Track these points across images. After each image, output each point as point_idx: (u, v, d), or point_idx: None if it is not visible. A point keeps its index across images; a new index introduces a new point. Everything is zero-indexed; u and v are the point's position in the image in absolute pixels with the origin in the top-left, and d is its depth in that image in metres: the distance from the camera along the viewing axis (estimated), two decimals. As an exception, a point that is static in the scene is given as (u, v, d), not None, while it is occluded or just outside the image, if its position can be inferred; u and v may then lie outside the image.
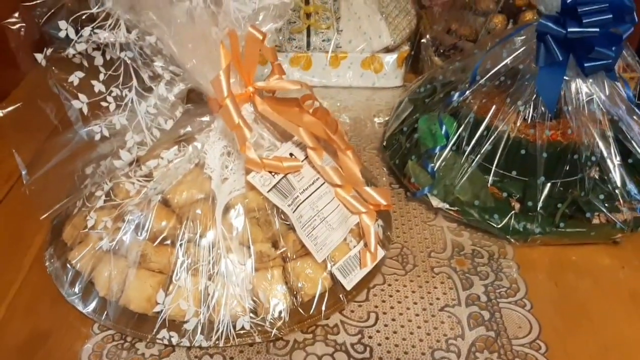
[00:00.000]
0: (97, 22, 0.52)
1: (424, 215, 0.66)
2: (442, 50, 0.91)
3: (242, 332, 0.50)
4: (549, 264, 0.60)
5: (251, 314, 0.51)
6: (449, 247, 0.62)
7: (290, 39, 0.88)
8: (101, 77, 0.53)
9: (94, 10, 0.51)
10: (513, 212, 0.62)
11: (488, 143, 0.64)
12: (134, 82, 0.54)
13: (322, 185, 0.56)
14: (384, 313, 0.55)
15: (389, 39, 0.89)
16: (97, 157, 0.59)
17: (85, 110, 0.54)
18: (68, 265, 0.55)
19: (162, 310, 0.50)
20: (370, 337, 0.52)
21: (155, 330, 0.50)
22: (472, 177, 0.64)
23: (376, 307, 0.55)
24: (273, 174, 0.53)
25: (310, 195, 0.54)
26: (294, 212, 0.53)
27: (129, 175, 0.54)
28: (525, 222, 0.61)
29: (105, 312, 0.52)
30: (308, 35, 0.88)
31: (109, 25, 0.51)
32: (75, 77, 0.53)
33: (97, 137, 0.54)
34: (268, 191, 0.53)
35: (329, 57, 0.88)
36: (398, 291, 0.57)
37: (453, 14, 0.93)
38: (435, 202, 0.65)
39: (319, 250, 0.54)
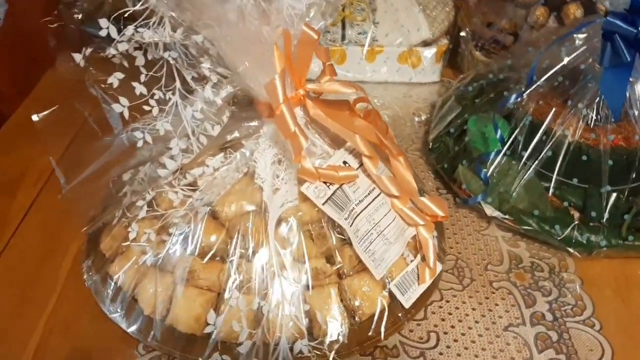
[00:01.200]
0: (140, 20, 0.48)
1: (476, 223, 0.63)
2: (481, 44, 0.87)
3: (299, 356, 0.47)
4: (614, 279, 0.57)
5: (307, 336, 0.47)
6: (505, 259, 0.59)
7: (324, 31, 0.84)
8: (142, 78, 0.49)
9: (137, 7, 0.47)
10: (575, 223, 0.58)
11: (547, 148, 0.60)
12: (177, 84, 0.50)
13: (378, 196, 0.52)
14: (445, 333, 0.51)
15: (427, 32, 0.84)
16: (135, 163, 0.56)
17: (126, 114, 0.50)
18: (109, 280, 0.51)
19: (213, 332, 0.47)
20: (441, 355, 0.49)
21: (207, 353, 0.47)
22: (529, 184, 0.61)
23: (436, 326, 0.52)
24: (328, 184, 0.50)
25: (366, 207, 0.51)
26: (350, 225, 0.49)
27: (172, 184, 0.51)
28: (589, 233, 0.58)
29: (152, 332, 0.48)
30: (343, 28, 0.84)
31: (153, 24, 0.48)
32: (115, 79, 0.49)
33: (140, 143, 0.50)
34: (323, 203, 0.49)
35: (365, 51, 0.84)
36: (457, 308, 0.54)
37: (492, 5, 0.89)
38: (489, 210, 0.62)
39: (377, 266, 0.50)
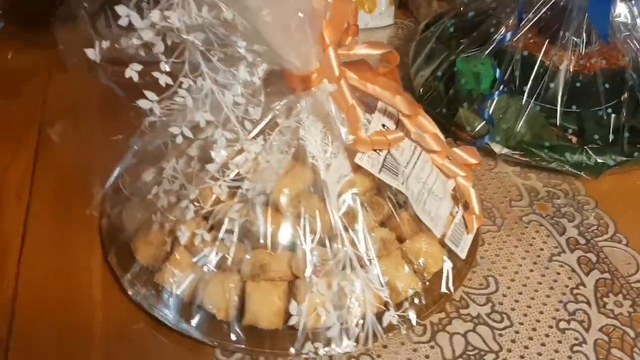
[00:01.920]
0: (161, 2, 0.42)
1: (484, 163, 0.64)
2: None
3: (389, 327, 0.46)
4: (620, 193, 0.62)
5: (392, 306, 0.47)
6: (524, 193, 0.61)
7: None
8: (163, 67, 0.45)
9: (158, -11, 0.41)
10: (584, 147, 0.61)
11: (544, 80, 0.62)
12: (204, 68, 0.45)
13: (420, 154, 0.51)
14: (500, 275, 0.53)
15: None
16: (151, 159, 0.51)
17: (156, 110, 0.45)
18: (162, 290, 0.47)
19: (298, 322, 0.45)
20: (501, 304, 0.51)
21: (299, 344, 0.45)
22: (531, 117, 0.63)
23: (489, 270, 0.54)
24: (378, 151, 0.48)
25: (413, 167, 0.50)
26: (408, 189, 0.49)
27: (215, 177, 0.47)
28: (596, 156, 0.61)
29: (231, 336, 0.45)
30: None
31: (177, 5, 0.42)
32: (133, 72, 0.44)
33: (179, 139, 0.45)
34: (379, 172, 0.48)
35: None
36: (501, 249, 0.55)
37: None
38: (498, 148, 0.63)
39: (435, 224, 0.50)
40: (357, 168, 0.48)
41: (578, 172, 0.62)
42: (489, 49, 0.65)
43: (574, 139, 0.64)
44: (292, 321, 0.45)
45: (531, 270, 0.54)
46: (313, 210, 0.46)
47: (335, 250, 0.46)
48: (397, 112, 0.51)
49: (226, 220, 0.46)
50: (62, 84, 0.73)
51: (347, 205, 0.48)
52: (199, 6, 0.43)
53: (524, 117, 0.63)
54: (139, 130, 0.52)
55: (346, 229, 0.47)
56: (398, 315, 0.47)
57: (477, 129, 0.64)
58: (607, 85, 0.61)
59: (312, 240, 0.46)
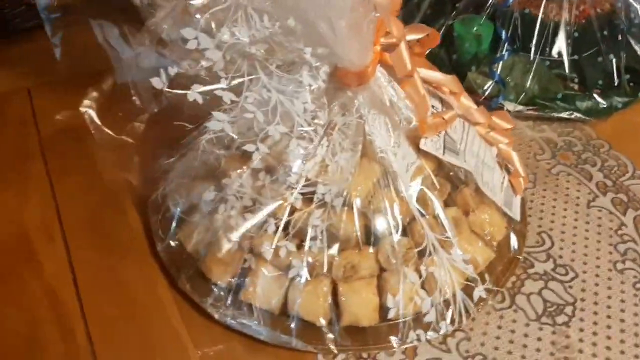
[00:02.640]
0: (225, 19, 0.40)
1: (498, 121, 0.67)
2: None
3: (480, 302, 0.48)
4: (629, 132, 0.66)
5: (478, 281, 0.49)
6: (544, 146, 0.64)
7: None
8: (223, 83, 0.43)
9: (222, 6, 0.39)
10: (592, 93, 0.65)
11: (547, 35, 0.65)
12: (264, 78, 0.44)
13: (468, 129, 0.53)
14: (550, 230, 0.56)
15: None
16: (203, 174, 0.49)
17: (228, 129, 0.43)
18: (253, 307, 0.47)
19: (396, 314, 0.46)
20: (560, 257, 0.54)
21: (402, 335, 0.46)
22: (537, 71, 0.65)
23: (540, 227, 0.56)
24: (438, 133, 0.49)
25: (466, 143, 0.51)
26: (469, 165, 0.50)
27: (291, 187, 0.46)
28: (603, 100, 0.65)
29: (332, 339, 0.46)
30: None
31: (241, 18, 0.40)
32: (196, 94, 0.42)
33: (256, 156, 0.43)
34: (443, 153, 0.49)
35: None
36: (543, 204, 0.58)
37: None
38: (512, 106, 0.66)
39: (495, 193, 0.52)
40: (421, 154, 0.49)
41: (588, 118, 0.65)
42: (487, 11, 0.66)
43: (576, 87, 0.67)
44: (391, 314, 0.46)
45: (575, 220, 0.57)
46: (391, 202, 0.47)
47: (417, 237, 0.48)
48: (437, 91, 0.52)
49: (309, 228, 0.46)
50: (47, 100, 0.68)
51: (419, 191, 0.49)
52: (260, 17, 0.41)
53: (532, 73, 0.65)
54: (182, 147, 0.51)
55: (422, 215, 0.48)
56: (487, 288, 0.49)
57: (487, 90, 0.66)
58: (604, 32, 0.65)
59: (397, 231, 0.47)
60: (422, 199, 0.48)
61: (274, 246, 0.46)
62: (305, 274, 0.46)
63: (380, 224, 0.47)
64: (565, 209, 0.58)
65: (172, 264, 0.51)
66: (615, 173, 0.61)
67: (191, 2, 0.37)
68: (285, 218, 0.46)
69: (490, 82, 0.66)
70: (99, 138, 0.47)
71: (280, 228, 0.46)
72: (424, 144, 0.48)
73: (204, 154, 0.49)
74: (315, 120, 0.44)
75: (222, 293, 0.48)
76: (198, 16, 0.38)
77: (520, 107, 0.66)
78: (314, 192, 0.46)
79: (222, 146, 0.47)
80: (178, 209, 0.51)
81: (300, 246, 0.46)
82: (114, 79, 0.42)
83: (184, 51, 0.39)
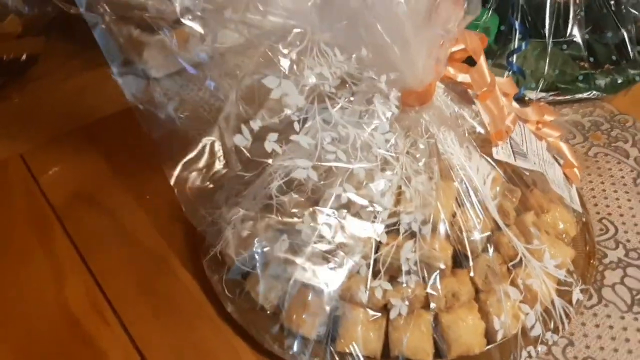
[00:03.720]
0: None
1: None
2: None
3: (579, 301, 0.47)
4: (645, 102, 0.67)
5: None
6: (573, 130, 0.64)
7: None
8: (296, 127, 0.39)
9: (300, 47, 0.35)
10: (610, 69, 0.65)
11: (557, 17, 0.64)
12: (335, 116, 0.40)
13: (524, 128, 0.51)
14: (609, 214, 0.55)
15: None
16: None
17: (313, 175, 0.40)
18: (354, 357, 0.43)
19: (504, 334, 0.44)
20: (628, 241, 0.53)
21: (516, 355, 0.44)
22: (552, 56, 0.65)
23: (598, 213, 0.56)
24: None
25: (527, 143, 0.50)
26: (538, 166, 0.49)
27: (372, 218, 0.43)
28: (619, 75, 0.65)
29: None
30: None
31: (316, 57, 0.37)
32: (274, 144, 0.38)
33: (344, 199, 0.40)
34: (515, 159, 0.47)
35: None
36: (592, 189, 0.58)
37: None
38: (533, 94, 0.65)
39: (562, 190, 0.51)
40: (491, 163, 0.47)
41: (608, 95, 0.65)
42: (491, 4, 0.65)
43: (586, 66, 0.67)
44: (499, 335, 0.45)
45: (629, 200, 0.57)
46: (477, 218, 0.45)
47: (507, 249, 0.46)
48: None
49: (403, 264, 0.43)
50: (43, 163, 0.62)
51: (498, 202, 0.47)
52: (333, 52, 0.38)
53: (548, 58, 0.65)
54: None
55: (507, 226, 0.46)
56: (580, 288, 0.48)
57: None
58: (610, 7, 0.65)
59: (489, 250, 0.45)
60: (501, 210, 0.47)
61: (368, 288, 0.43)
62: (405, 311, 0.43)
63: (471, 244, 0.45)
64: (615, 191, 0.58)
65: (251, 324, 0.47)
66: (648, 146, 0.62)
67: (278, 45, 0.33)
68: (373, 256, 0.44)
69: (506, 74, 0.65)
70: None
71: (371, 268, 0.44)
72: (497, 153, 0.46)
73: (264, 202, 0.46)
74: (394, 150, 0.42)
75: (315, 348, 0.45)
76: (283, 61, 0.34)
77: (542, 94, 0.65)
78: (396, 224, 0.44)
79: (293, 193, 0.44)
80: (245, 264, 0.47)
81: (393, 283, 0.44)
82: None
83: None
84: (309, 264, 0.44)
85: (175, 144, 0.42)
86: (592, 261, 0.51)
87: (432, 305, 0.43)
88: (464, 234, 0.44)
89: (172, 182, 0.42)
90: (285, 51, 0.35)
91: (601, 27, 0.66)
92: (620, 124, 0.64)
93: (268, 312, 0.47)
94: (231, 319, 0.48)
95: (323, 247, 0.43)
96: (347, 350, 0.44)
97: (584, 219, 0.53)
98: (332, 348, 0.44)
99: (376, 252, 0.44)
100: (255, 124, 0.37)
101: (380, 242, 0.43)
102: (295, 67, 0.35)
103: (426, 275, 0.43)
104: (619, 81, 0.65)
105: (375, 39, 0.38)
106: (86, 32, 0.45)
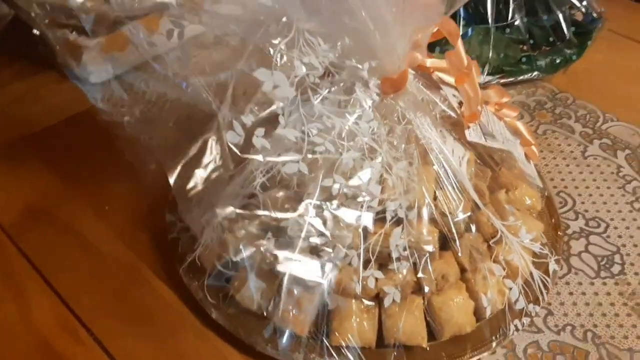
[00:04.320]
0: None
1: (469, 95, 0.68)
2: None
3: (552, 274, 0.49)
4: (581, 80, 0.70)
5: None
6: (521, 110, 0.66)
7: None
8: (282, 121, 0.38)
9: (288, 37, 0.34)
10: (549, 50, 0.68)
11: (499, 4, 0.67)
12: (318, 107, 0.40)
13: (487, 110, 0.52)
14: (565, 187, 0.58)
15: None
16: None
17: (304, 168, 0.39)
18: (351, 349, 0.43)
19: (491, 310, 0.45)
20: (586, 211, 0.56)
21: (504, 329, 0.45)
22: (495, 40, 0.67)
23: (555, 187, 0.58)
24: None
25: (491, 124, 0.51)
26: (505, 145, 0.50)
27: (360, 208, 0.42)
28: (557, 55, 0.68)
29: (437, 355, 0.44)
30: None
31: (304, 47, 0.36)
32: (262, 139, 0.37)
33: (335, 191, 0.39)
34: (486, 140, 0.48)
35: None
36: (547, 165, 0.60)
37: None
38: (481, 79, 0.67)
39: (527, 167, 0.53)
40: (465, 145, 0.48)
41: (549, 74, 0.69)
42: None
43: (525, 48, 0.70)
44: (488, 312, 0.46)
45: (580, 173, 0.60)
46: (458, 200, 0.46)
47: (486, 228, 0.47)
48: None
49: (393, 250, 0.43)
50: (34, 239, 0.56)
51: (473, 183, 0.48)
52: (317, 41, 0.37)
53: (491, 43, 0.67)
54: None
55: (484, 205, 0.47)
56: (554, 259, 0.50)
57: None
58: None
59: (471, 229, 0.46)
60: (477, 190, 0.48)
61: (360, 279, 0.43)
62: (398, 298, 0.43)
63: (455, 225, 0.45)
64: (567, 165, 0.61)
65: (239, 328, 0.45)
66: (590, 121, 0.65)
67: (272, 41, 0.32)
68: (362, 246, 0.43)
69: (455, 59, 0.67)
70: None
71: (361, 258, 0.43)
72: (470, 135, 0.47)
73: (244, 201, 0.44)
74: (379, 137, 0.42)
75: (308, 344, 0.44)
76: (273, 51, 0.33)
77: (489, 78, 0.67)
78: (381, 212, 0.44)
79: (277, 188, 0.42)
80: (227, 268, 0.45)
81: (384, 270, 0.44)
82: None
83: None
84: (299, 258, 0.43)
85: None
86: (559, 233, 0.53)
87: (426, 288, 0.44)
88: (448, 216, 0.45)
89: (171, 181, 0.40)
90: (275, 42, 0.34)
91: (537, 10, 0.69)
92: (562, 102, 0.68)
93: (257, 313, 0.45)
94: (216, 325, 0.46)
95: (313, 240, 0.43)
96: (343, 344, 0.44)
97: (546, 194, 0.55)
98: (327, 343, 0.44)
99: (364, 241, 0.44)
100: (248, 119, 0.35)
101: (367, 231, 0.43)
102: (285, 57, 0.35)
103: (417, 260, 0.43)
104: (557, 61, 0.68)
105: (358, 25, 0.38)
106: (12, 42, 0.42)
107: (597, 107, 0.67)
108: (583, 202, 0.57)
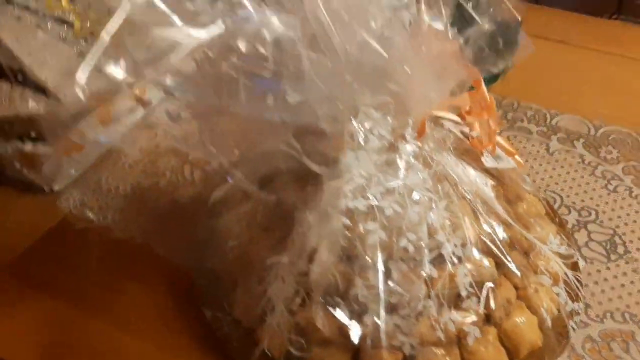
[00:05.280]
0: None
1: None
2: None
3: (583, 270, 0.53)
4: (524, 82, 0.75)
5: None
6: (478, 122, 0.70)
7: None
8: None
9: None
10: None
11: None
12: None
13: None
14: (548, 185, 0.63)
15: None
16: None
17: (382, 235, 0.38)
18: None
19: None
20: (574, 203, 0.61)
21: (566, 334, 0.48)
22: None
23: (540, 188, 0.62)
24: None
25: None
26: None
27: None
28: (498, 63, 0.73)
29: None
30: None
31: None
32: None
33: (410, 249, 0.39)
34: (498, 162, 0.51)
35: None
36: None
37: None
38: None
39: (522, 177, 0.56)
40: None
41: (491, 84, 0.73)
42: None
43: (461, 64, 0.75)
44: (549, 322, 0.48)
45: (554, 169, 0.65)
46: (498, 225, 0.48)
47: (523, 243, 0.49)
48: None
49: (461, 289, 0.44)
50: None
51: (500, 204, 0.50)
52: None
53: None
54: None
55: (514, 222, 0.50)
56: (578, 256, 0.53)
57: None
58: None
59: (515, 247, 0.48)
60: (505, 210, 0.50)
61: (440, 325, 0.43)
62: (478, 333, 0.44)
63: (502, 249, 0.47)
64: (540, 165, 0.66)
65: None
66: (540, 120, 0.71)
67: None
68: (433, 292, 0.44)
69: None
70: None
71: (435, 305, 0.44)
72: (487, 161, 0.50)
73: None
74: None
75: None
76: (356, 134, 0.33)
77: (443, 99, 0.71)
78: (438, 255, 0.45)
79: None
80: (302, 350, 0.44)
81: (458, 311, 0.45)
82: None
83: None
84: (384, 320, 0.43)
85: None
86: (566, 229, 0.57)
87: (498, 316, 0.45)
88: (496, 241, 0.47)
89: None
90: (355, 124, 0.34)
91: (467, 24, 0.74)
92: (510, 107, 0.73)
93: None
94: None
95: (392, 299, 0.43)
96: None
97: (541, 196, 0.59)
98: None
99: (433, 288, 0.44)
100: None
101: (432, 278, 0.44)
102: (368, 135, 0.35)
103: (484, 292, 0.45)
104: (497, 71, 0.74)
105: (400, 89, 0.39)
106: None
107: (540, 106, 0.73)
108: (568, 196, 0.62)
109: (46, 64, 0.57)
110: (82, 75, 0.31)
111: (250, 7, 0.29)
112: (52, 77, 0.57)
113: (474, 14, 0.70)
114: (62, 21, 0.62)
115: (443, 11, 0.45)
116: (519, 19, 0.75)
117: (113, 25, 0.31)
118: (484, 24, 0.71)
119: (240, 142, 0.40)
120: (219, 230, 0.52)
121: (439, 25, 0.43)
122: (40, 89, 0.56)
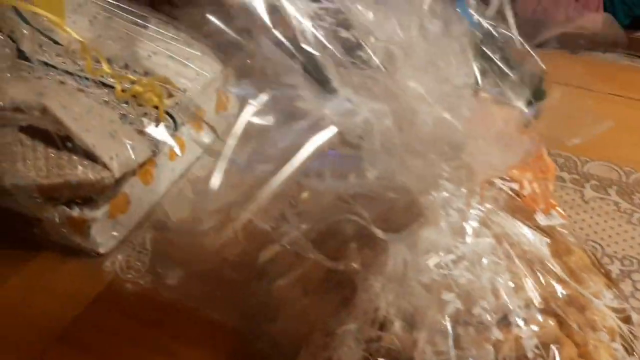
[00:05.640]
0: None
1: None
2: None
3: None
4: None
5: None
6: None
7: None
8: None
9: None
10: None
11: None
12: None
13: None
14: (587, 235, 0.63)
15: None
16: None
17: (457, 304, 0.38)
18: None
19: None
20: (609, 246, 0.62)
21: None
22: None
23: (579, 237, 0.63)
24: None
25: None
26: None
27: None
28: (525, 115, 0.75)
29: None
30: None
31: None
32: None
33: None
34: (550, 220, 0.51)
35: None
36: (561, 218, 0.65)
37: None
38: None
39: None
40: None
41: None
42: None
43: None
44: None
45: (591, 217, 0.66)
46: (557, 283, 0.48)
47: (578, 300, 0.50)
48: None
49: (529, 352, 0.44)
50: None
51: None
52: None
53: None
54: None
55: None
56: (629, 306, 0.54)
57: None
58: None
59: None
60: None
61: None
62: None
63: (563, 307, 0.48)
64: (577, 214, 0.67)
65: None
66: (572, 167, 0.72)
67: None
68: (500, 356, 0.44)
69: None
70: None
71: (502, 369, 0.44)
72: (542, 220, 0.50)
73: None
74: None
75: None
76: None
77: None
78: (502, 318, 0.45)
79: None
80: None
81: (526, 372, 0.45)
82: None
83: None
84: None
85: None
86: (613, 281, 0.58)
87: (567, 377, 0.45)
88: (556, 300, 0.47)
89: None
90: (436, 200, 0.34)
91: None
92: (539, 155, 0.74)
93: None
94: None
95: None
96: None
97: (585, 247, 0.60)
98: None
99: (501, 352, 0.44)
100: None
101: (499, 341, 0.44)
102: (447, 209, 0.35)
103: (551, 353, 0.45)
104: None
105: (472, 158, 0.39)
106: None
107: (570, 153, 0.74)
108: (609, 245, 0.63)
109: (92, 129, 0.58)
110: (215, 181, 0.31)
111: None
112: (98, 142, 0.58)
113: (503, 66, 0.72)
114: (103, 84, 0.63)
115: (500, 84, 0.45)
116: (544, 67, 0.78)
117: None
118: (512, 75, 0.73)
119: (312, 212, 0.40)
120: (272, 296, 0.52)
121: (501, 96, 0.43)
122: (88, 155, 0.56)
